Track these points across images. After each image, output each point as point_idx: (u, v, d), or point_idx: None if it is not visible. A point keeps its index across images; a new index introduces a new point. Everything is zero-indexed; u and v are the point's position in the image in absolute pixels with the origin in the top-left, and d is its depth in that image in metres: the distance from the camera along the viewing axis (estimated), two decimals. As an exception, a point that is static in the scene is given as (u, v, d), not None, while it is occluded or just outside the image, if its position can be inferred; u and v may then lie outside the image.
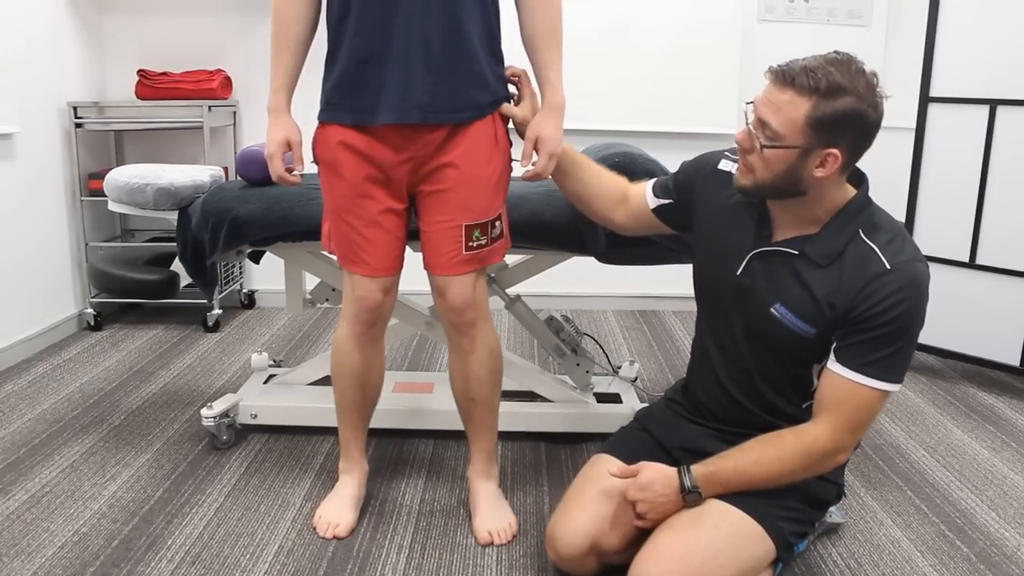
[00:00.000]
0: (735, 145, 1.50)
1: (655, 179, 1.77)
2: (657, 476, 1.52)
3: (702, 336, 1.70)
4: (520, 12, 1.72)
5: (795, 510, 1.53)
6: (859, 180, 1.50)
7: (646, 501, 1.50)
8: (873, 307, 1.40)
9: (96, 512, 1.91)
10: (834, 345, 1.46)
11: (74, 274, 3.33)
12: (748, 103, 1.46)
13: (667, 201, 1.72)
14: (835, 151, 1.37)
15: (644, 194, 1.76)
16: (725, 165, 1.64)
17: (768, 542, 1.48)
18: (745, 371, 1.59)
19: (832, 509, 1.81)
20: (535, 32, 1.70)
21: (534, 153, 1.71)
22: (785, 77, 1.36)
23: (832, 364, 1.46)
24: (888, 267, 1.40)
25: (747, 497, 1.48)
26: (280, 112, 1.72)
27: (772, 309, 1.50)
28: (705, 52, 3.60)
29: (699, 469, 1.51)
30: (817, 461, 1.46)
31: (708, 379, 1.66)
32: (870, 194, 1.51)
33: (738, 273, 1.55)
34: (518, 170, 1.80)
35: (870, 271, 1.41)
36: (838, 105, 1.33)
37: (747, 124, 1.44)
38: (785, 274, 1.50)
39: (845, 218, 1.46)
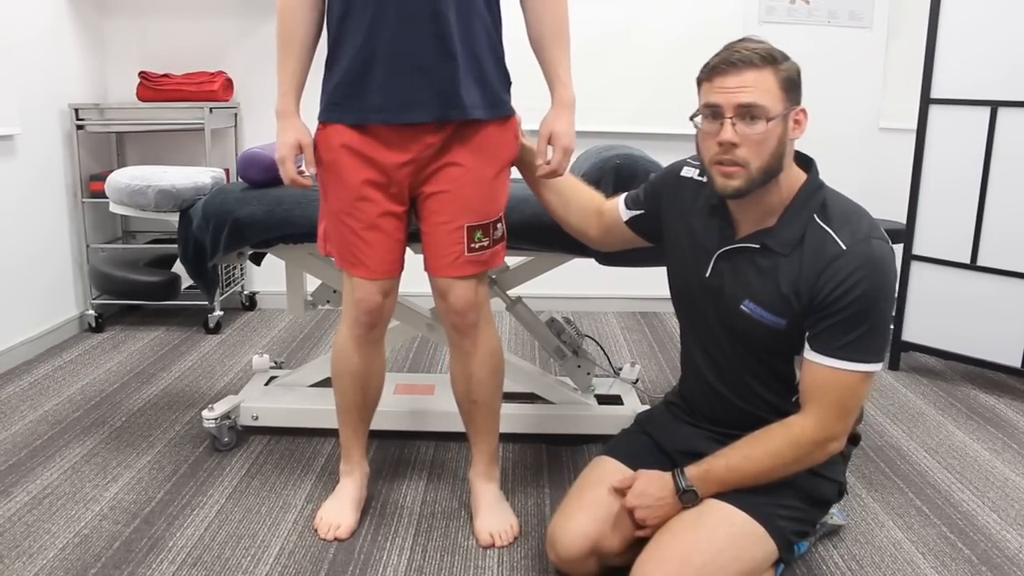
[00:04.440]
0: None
1: (627, 192, 1.79)
2: (653, 479, 1.54)
3: (686, 340, 1.71)
4: (526, 12, 1.72)
5: (796, 509, 1.53)
6: (807, 164, 1.52)
7: (643, 506, 1.51)
8: (834, 290, 1.41)
9: (97, 514, 1.91)
10: (807, 334, 1.47)
11: (75, 276, 3.33)
12: (695, 116, 1.47)
13: (639, 212, 1.75)
14: (802, 108, 1.45)
15: (617, 207, 1.78)
16: (687, 172, 1.67)
17: (769, 542, 1.48)
18: (731, 369, 1.60)
19: (833, 511, 1.82)
20: (543, 31, 1.71)
21: (548, 150, 1.71)
22: (739, 62, 1.39)
23: (808, 353, 1.46)
24: (843, 248, 1.42)
25: (747, 497, 1.49)
26: (290, 115, 1.71)
27: (742, 306, 1.52)
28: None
29: (692, 470, 1.52)
30: (808, 451, 1.46)
31: (698, 381, 1.67)
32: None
33: (707, 275, 1.57)
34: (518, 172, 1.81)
35: (827, 255, 1.43)
36: (789, 67, 1.42)
37: (723, 123, 1.40)
38: (750, 270, 1.51)
39: (799, 203, 1.48)
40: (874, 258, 1.41)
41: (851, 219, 1.45)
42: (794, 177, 1.49)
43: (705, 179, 1.63)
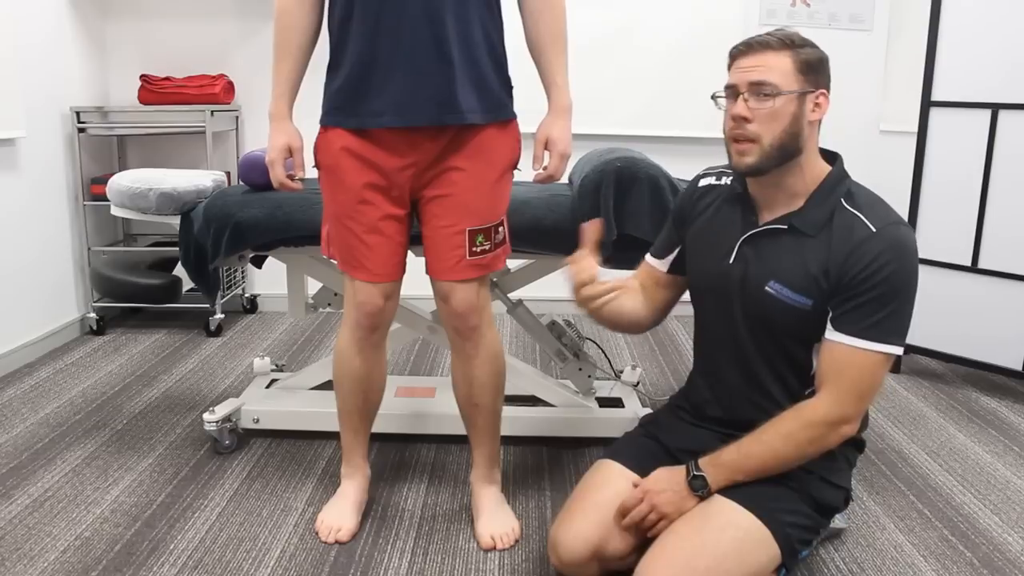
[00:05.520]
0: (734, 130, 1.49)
1: (649, 252, 1.78)
2: (666, 471, 1.56)
3: (703, 339, 1.70)
4: (524, 15, 1.72)
5: (803, 515, 1.53)
6: (833, 158, 1.56)
7: (656, 491, 1.51)
8: (863, 271, 1.43)
9: (98, 516, 1.91)
10: (830, 315, 1.48)
11: (77, 278, 3.34)
12: (718, 95, 1.53)
13: (675, 253, 1.73)
14: (824, 91, 1.49)
15: (651, 270, 1.76)
16: (704, 182, 1.70)
17: (774, 547, 1.47)
18: (749, 361, 1.60)
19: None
20: (540, 35, 1.71)
21: (545, 156, 1.71)
22: (756, 45, 1.47)
23: (830, 333, 1.48)
24: (873, 230, 1.45)
25: (756, 499, 1.48)
26: (282, 118, 1.72)
27: (767, 288, 1.53)
28: (707, 57, 3.60)
29: (704, 458, 1.53)
30: (821, 432, 1.46)
31: (711, 382, 1.66)
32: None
33: (730, 262, 1.58)
34: (519, 175, 1.81)
35: (856, 236, 1.45)
36: (809, 52, 1.47)
37: (738, 99, 1.46)
38: (776, 251, 1.53)
39: (827, 189, 1.51)
40: (902, 242, 1.44)
41: (877, 207, 1.49)
42: (819, 167, 1.53)
43: (723, 182, 1.67)
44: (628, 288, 1.76)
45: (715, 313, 1.64)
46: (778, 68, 1.45)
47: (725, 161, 1.70)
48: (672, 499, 1.51)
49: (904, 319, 1.46)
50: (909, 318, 1.47)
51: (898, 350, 1.46)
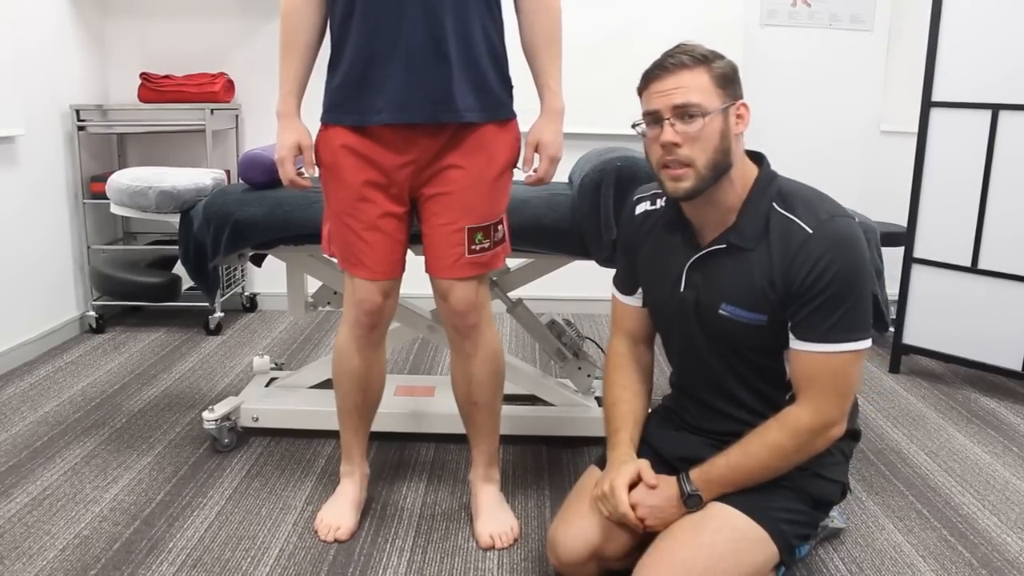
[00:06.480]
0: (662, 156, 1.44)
1: (615, 287, 1.73)
2: (659, 483, 1.53)
3: (673, 363, 1.70)
4: (520, 17, 1.72)
5: (798, 512, 1.53)
6: (759, 159, 1.54)
7: (646, 504, 1.50)
8: (808, 275, 1.41)
9: (97, 515, 1.91)
10: (790, 324, 1.46)
11: (76, 277, 3.33)
12: (637, 124, 1.49)
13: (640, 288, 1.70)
14: (743, 101, 1.47)
15: (627, 309, 1.71)
16: (640, 208, 1.67)
17: (771, 546, 1.47)
18: (721, 381, 1.59)
19: (834, 514, 1.81)
20: (535, 38, 1.71)
21: (535, 158, 1.72)
22: (671, 66, 1.43)
23: (794, 343, 1.46)
24: (810, 232, 1.42)
25: (750, 500, 1.48)
26: (290, 116, 1.72)
27: (720, 311, 1.51)
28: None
29: (695, 472, 1.51)
30: (808, 439, 1.45)
31: (691, 401, 1.66)
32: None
33: (681, 290, 1.56)
34: (518, 175, 1.81)
35: (795, 241, 1.43)
36: (723, 64, 1.44)
37: (663, 125, 1.41)
38: (722, 272, 1.51)
39: (757, 196, 1.48)
40: (842, 236, 1.41)
41: (811, 203, 1.46)
42: (748, 173, 1.50)
43: (657, 205, 1.64)
44: (620, 371, 1.68)
45: (678, 338, 1.63)
46: (697, 87, 1.41)
47: None
48: (662, 516, 1.50)
49: (864, 311, 1.43)
50: (869, 308, 1.44)
51: (866, 343, 1.44)
